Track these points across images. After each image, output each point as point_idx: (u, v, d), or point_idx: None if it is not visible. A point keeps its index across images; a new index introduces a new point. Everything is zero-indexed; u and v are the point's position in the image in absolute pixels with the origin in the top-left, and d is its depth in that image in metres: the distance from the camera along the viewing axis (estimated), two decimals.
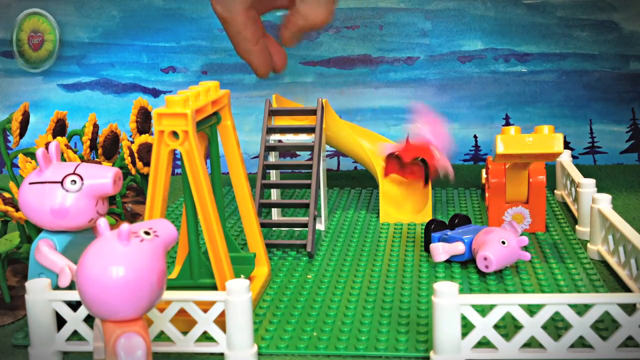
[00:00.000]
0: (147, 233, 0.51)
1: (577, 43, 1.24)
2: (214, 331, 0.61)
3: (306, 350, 0.62)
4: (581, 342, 0.60)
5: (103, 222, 0.51)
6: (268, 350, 0.63)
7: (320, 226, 0.93)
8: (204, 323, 0.60)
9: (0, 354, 0.64)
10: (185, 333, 0.61)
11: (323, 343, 0.63)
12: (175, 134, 0.63)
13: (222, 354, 0.61)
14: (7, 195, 0.75)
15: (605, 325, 0.64)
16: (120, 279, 0.48)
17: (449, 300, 0.57)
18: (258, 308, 0.70)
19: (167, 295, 0.61)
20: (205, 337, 0.64)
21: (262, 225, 0.85)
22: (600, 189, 0.89)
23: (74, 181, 0.64)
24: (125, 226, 0.50)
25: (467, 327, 0.60)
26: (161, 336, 0.63)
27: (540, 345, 0.59)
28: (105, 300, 0.49)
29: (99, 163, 0.86)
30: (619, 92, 1.25)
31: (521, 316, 0.58)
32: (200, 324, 0.61)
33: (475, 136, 1.27)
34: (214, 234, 0.65)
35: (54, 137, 0.92)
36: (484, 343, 0.60)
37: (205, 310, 0.61)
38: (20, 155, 0.84)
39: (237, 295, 0.59)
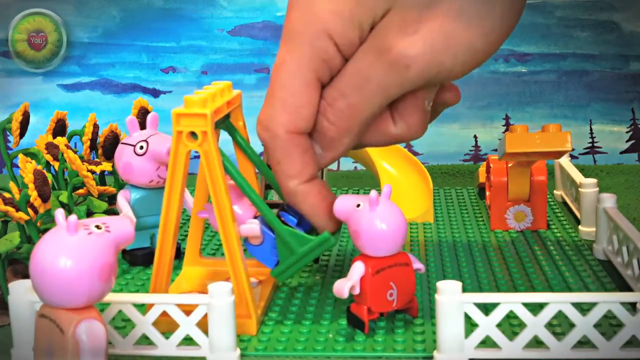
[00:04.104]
0: (98, 227, 0.52)
1: (577, 43, 1.24)
2: (196, 334, 0.60)
3: (324, 352, 0.62)
4: (585, 342, 0.60)
5: (60, 213, 0.52)
6: (285, 352, 0.62)
7: None
8: (186, 326, 0.60)
9: (0, 354, 0.64)
10: (167, 336, 0.61)
11: (340, 345, 0.63)
12: (193, 135, 0.63)
13: (204, 358, 0.60)
14: (7, 195, 0.74)
15: (614, 322, 0.64)
16: (59, 267, 0.50)
17: (452, 298, 0.57)
18: (270, 311, 0.69)
19: (149, 298, 0.61)
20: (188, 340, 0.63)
21: None
22: (601, 189, 0.89)
23: (142, 146, 0.78)
24: (73, 217, 0.51)
25: (471, 326, 0.59)
26: (144, 340, 0.62)
27: (544, 345, 0.59)
28: (48, 287, 0.50)
29: (99, 163, 0.86)
30: (619, 92, 1.25)
31: (524, 315, 0.58)
32: (183, 327, 0.60)
33: (475, 136, 1.27)
34: (231, 235, 0.64)
35: (54, 137, 0.92)
36: (487, 342, 0.59)
37: (187, 313, 0.60)
38: (20, 155, 0.83)
39: (219, 299, 0.58)
